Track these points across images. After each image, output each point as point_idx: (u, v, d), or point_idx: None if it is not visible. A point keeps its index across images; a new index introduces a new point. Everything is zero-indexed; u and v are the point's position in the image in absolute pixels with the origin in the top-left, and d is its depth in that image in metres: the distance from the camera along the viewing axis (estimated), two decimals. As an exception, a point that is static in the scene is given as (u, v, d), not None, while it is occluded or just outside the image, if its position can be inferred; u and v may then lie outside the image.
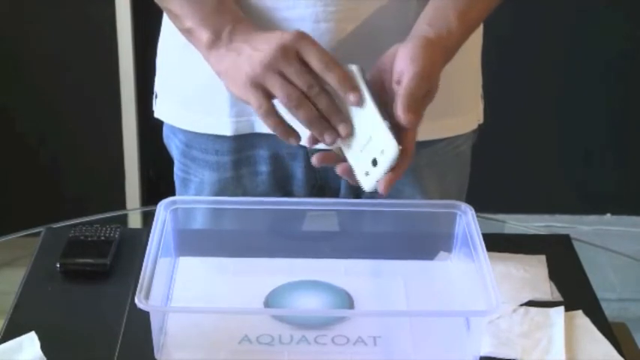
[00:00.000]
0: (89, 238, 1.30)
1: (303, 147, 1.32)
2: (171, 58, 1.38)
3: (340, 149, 1.14)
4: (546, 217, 2.96)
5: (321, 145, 1.20)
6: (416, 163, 1.20)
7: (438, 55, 1.14)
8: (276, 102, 1.13)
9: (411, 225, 1.27)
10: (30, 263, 1.29)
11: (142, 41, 2.62)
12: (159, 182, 2.77)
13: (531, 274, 1.27)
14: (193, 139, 1.37)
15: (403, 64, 1.11)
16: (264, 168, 1.36)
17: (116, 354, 1.11)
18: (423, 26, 1.16)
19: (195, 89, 1.33)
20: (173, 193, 1.43)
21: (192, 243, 1.28)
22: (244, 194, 1.37)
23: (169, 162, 1.46)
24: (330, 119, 1.12)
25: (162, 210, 1.22)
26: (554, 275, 1.27)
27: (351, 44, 1.23)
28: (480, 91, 1.41)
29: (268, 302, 1.19)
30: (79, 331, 1.15)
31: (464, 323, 1.14)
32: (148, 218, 1.37)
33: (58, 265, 1.26)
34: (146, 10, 2.47)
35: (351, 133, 1.12)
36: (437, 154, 1.36)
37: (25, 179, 2.80)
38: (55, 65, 2.69)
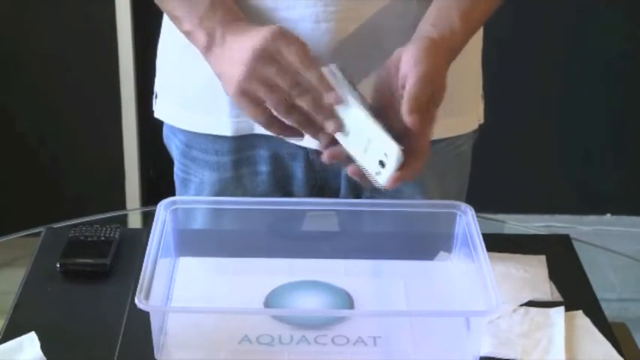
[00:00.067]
0: (89, 238, 1.30)
1: (303, 147, 1.32)
2: (171, 58, 1.38)
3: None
4: (546, 217, 2.96)
5: (319, 145, 1.20)
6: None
7: (441, 56, 1.14)
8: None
9: (411, 225, 1.27)
10: (30, 263, 1.29)
11: (142, 41, 2.62)
12: (159, 182, 2.77)
13: (531, 274, 1.27)
14: (193, 139, 1.37)
15: (407, 67, 1.11)
16: (264, 168, 1.36)
17: (116, 354, 1.11)
18: (427, 27, 1.17)
19: (196, 89, 1.33)
20: (173, 193, 1.43)
21: (192, 243, 1.28)
22: (244, 194, 1.37)
23: (169, 162, 1.46)
24: (316, 118, 1.12)
25: (163, 210, 1.22)
26: (554, 275, 1.27)
27: (351, 44, 1.23)
28: (480, 91, 1.41)
29: (268, 302, 1.19)
30: (79, 331, 1.15)
31: (464, 323, 1.14)
32: (148, 218, 1.37)
33: (58, 265, 1.26)
34: (146, 10, 2.47)
35: (341, 131, 1.12)
36: (437, 154, 1.36)
37: (25, 179, 2.80)
38: (55, 65, 2.69)
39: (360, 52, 1.23)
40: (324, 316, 1.18)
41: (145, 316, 1.06)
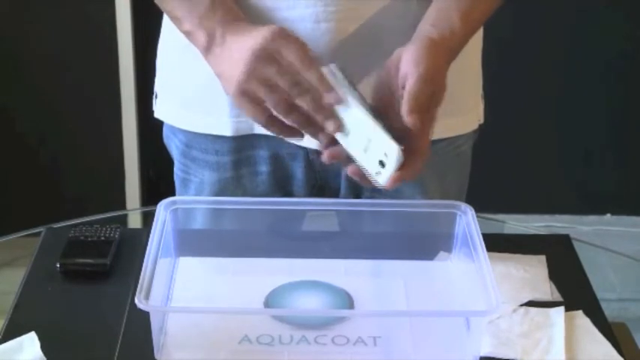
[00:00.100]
0: (89, 238, 1.30)
1: (303, 147, 1.32)
2: (171, 58, 1.38)
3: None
4: (546, 217, 2.96)
5: (319, 145, 1.20)
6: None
7: (441, 56, 1.14)
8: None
9: (411, 225, 1.27)
10: (30, 263, 1.29)
11: (142, 41, 2.62)
12: (159, 182, 2.77)
13: (531, 274, 1.27)
14: (193, 139, 1.37)
15: (407, 67, 1.11)
16: (264, 168, 1.36)
17: (116, 354, 1.11)
18: (427, 27, 1.17)
19: (196, 89, 1.33)
20: (173, 193, 1.43)
21: (192, 243, 1.28)
22: (244, 194, 1.37)
23: (169, 162, 1.46)
24: (316, 118, 1.12)
25: (162, 210, 1.22)
26: (554, 275, 1.27)
27: (351, 44, 1.23)
28: (480, 91, 1.41)
29: (268, 302, 1.19)
30: (79, 331, 1.15)
31: (464, 323, 1.14)
32: (148, 218, 1.37)
33: (58, 265, 1.26)
34: (146, 10, 2.47)
35: (341, 130, 1.12)
36: (437, 154, 1.36)
37: (25, 179, 2.80)
38: (55, 65, 2.69)
39: (360, 52, 1.23)
40: (324, 316, 1.18)
41: (145, 316, 1.06)
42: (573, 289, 1.25)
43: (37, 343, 1.09)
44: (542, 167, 2.94)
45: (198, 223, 1.34)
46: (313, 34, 1.22)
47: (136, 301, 1.04)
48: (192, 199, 1.37)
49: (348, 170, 1.15)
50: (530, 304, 1.21)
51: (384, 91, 1.14)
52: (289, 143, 1.31)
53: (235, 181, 1.37)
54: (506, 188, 2.91)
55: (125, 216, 2.57)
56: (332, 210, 1.34)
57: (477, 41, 1.35)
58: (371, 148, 1.10)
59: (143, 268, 1.09)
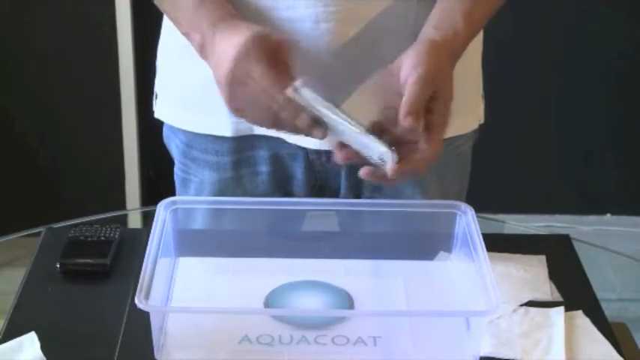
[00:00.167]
0: (89, 238, 1.30)
1: (303, 147, 1.32)
2: (171, 58, 1.38)
3: None
4: (546, 217, 2.96)
5: (319, 145, 1.20)
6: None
7: (443, 57, 1.14)
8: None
9: (411, 225, 1.27)
10: (30, 263, 1.29)
11: (142, 41, 2.62)
12: (159, 182, 2.77)
13: (531, 274, 1.27)
14: (193, 139, 1.37)
15: (407, 71, 1.11)
16: (264, 168, 1.36)
17: (116, 354, 1.11)
18: (430, 29, 1.17)
19: (196, 90, 1.33)
20: (173, 193, 1.43)
21: (192, 243, 1.28)
22: (244, 194, 1.37)
23: (169, 162, 1.46)
24: (301, 132, 1.13)
25: (163, 210, 1.22)
26: (554, 275, 1.27)
27: (351, 45, 1.23)
28: (480, 91, 1.41)
29: (268, 302, 1.19)
30: (79, 331, 1.15)
31: (464, 323, 1.14)
32: (148, 218, 1.37)
33: (58, 265, 1.26)
34: (146, 10, 2.47)
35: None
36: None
37: (25, 179, 2.81)
38: (55, 65, 2.69)
39: (359, 53, 1.23)
40: (324, 316, 1.18)
41: (145, 316, 1.06)
42: (573, 289, 1.25)
43: (37, 343, 1.09)
44: (542, 167, 2.94)
45: (198, 223, 1.34)
46: (313, 34, 1.22)
47: (136, 301, 1.04)
48: (192, 199, 1.37)
49: (361, 173, 1.14)
50: (530, 304, 1.21)
51: (393, 100, 1.13)
52: (289, 143, 1.31)
53: (235, 181, 1.37)
54: (506, 188, 2.91)
55: (125, 216, 2.57)
56: (332, 210, 1.34)
57: (477, 41, 1.35)
58: (370, 149, 1.11)
59: (143, 268, 1.09)
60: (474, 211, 1.23)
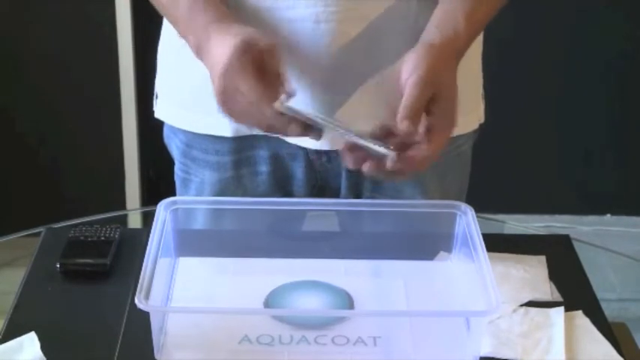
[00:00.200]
0: (89, 238, 1.30)
1: (303, 147, 1.32)
2: (171, 58, 1.38)
3: None
4: (546, 217, 2.96)
5: (319, 145, 1.20)
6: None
7: (442, 58, 1.14)
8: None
9: (411, 225, 1.27)
10: (30, 263, 1.29)
11: (142, 41, 2.62)
12: (159, 182, 2.77)
13: (531, 275, 1.27)
14: (194, 139, 1.37)
15: (405, 74, 1.11)
16: (264, 168, 1.36)
17: (116, 354, 1.11)
18: (432, 29, 1.17)
19: (196, 90, 1.33)
20: (173, 193, 1.43)
21: (192, 243, 1.28)
22: (244, 194, 1.37)
23: (169, 162, 1.46)
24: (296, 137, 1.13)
25: (162, 210, 1.22)
26: (554, 275, 1.27)
27: (351, 45, 1.23)
28: (480, 91, 1.41)
29: (268, 302, 1.19)
30: (79, 331, 1.15)
31: (464, 323, 1.14)
32: (148, 218, 1.37)
33: (58, 265, 1.26)
34: (146, 10, 2.45)
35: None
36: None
37: (25, 179, 2.80)
38: (55, 65, 2.69)
39: (359, 53, 1.23)
40: (324, 316, 1.18)
41: (145, 316, 1.06)
42: (573, 289, 1.25)
43: (37, 343, 1.09)
44: (542, 167, 2.94)
45: (199, 223, 1.34)
46: (313, 34, 1.22)
47: (136, 301, 1.04)
48: (193, 199, 1.38)
49: (364, 168, 1.14)
50: (530, 304, 1.21)
51: (395, 100, 1.13)
52: (289, 143, 1.31)
53: (236, 181, 1.37)
54: (506, 188, 2.91)
55: (125, 216, 2.57)
56: (332, 210, 1.34)
57: (477, 41, 1.35)
58: (372, 149, 1.11)
59: (143, 268, 1.09)
60: (474, 211, 1.23)
